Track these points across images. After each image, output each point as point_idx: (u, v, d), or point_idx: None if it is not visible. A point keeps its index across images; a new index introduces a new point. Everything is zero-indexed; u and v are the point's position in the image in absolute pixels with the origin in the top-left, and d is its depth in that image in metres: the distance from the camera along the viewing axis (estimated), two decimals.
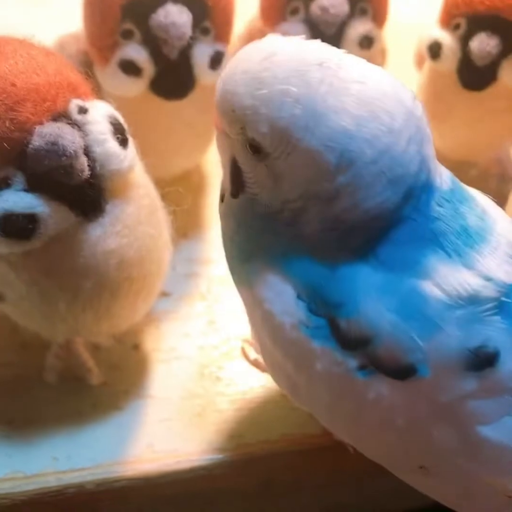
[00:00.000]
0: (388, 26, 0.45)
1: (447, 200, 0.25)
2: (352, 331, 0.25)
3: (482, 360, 0.24)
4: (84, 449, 0.32)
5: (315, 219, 0.24)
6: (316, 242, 0.25)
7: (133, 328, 0.37)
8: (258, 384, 0.35)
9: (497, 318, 0.24)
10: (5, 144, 0.26)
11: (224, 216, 0.28)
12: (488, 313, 0.24)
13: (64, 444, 0.32)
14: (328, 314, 0.25)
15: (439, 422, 0.25)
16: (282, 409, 0.33)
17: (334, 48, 0.25)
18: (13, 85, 0.26)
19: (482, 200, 0.27)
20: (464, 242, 0.24)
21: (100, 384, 0.35)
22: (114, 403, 0.34)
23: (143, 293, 0.32)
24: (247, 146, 0.24)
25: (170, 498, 0.33)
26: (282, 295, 0.26)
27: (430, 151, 0.25)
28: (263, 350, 0.28)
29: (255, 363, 0.36)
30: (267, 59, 0.23)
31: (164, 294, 0.39)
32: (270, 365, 0.28)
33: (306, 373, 0.27)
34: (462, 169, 0.44)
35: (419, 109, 0.24)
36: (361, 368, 0.25)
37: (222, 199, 0.28)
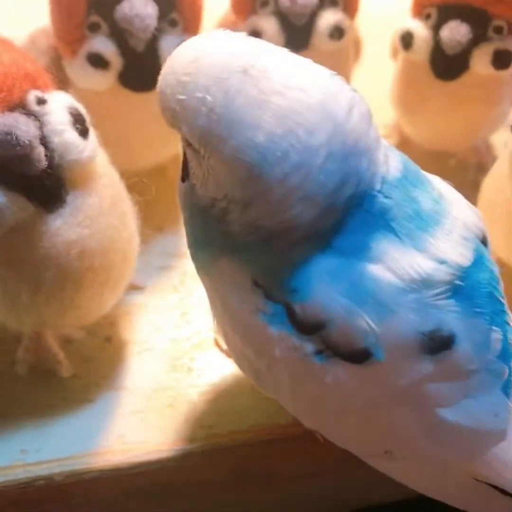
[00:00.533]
0: (365, 17, 0.45)
1: (396, 187, 0.25)
2: (307, 316, 0.25)
3: (437, 344, 0.24)
4: (54, 442, 0.32)
5: (236, 222, 0.25)
6: (245, 242, 0.25)
7: (105, 320, 0.37)
8: (230, 375, 0.35)
9: (451, 301, 0.25)
10: None
11: (179, 199, 0.28)
12: (442, 296, 0.24)
13: (34, 436, 0.33)
14: (284, 300, 0.25)
15: (398, 405, 0.25)
16: (253, 400, 0.34)
17: (269, 49, 0.24)
18: None
19: (439, 184, 0.27)
20: (417, 225, 0.25)
21: (71, 376, 0.35)
22: (85, 396, 0.34)
23: (109, 284, 0.32)
24: (182, 138, 0.25)
25: (141, 489, 0.33)
26: (239, 282, 0.26)
27: (365, 162, 0.24)
28: (225, 338, 0.29)
29: (227, 353, 0.36)
30: (193, 63, 0.23)
31: (138, 287, 0.39)
32: (233, 352, 0.29)
33: (266, 358, 0.27)
34: (440, 159, 0.46)
35: (353, 120, 0.23)
36: (318, 352, 0.25)
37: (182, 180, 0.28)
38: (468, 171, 0.46)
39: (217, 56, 0.23)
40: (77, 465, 0.31)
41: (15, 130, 0.26)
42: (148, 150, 0.42)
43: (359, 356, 0.25)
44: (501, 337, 0.26)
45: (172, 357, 0.36)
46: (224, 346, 0.37)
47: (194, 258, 0.28)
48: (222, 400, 0.34)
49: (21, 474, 0.31)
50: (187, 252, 0.41)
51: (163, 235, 0.42)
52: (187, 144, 0.25)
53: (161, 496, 0.34)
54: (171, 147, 0.43)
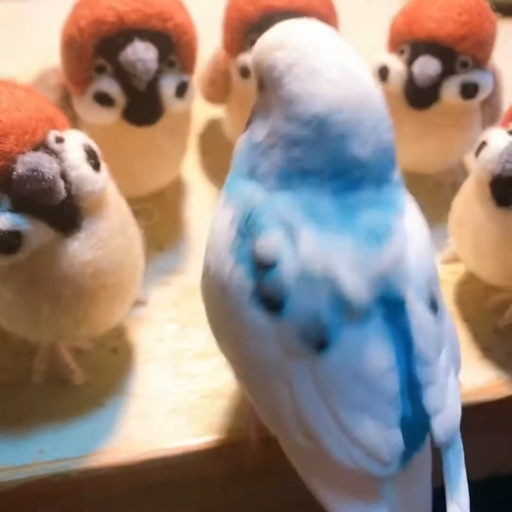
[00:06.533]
0: None
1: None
2: (258, 255, 0.27)
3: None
4: (69, 442, 0.34)
5: (277, 156, 0.27)
6: (268, 175, 0.28)
7: (112, 332, 0.38)
8: (230, 380, 0.36)
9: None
10: None
11: (236, 145, 0.31)
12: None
13: (50, 438, 0.35)
14: (250, 238, 0.27)
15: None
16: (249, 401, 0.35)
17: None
18: None
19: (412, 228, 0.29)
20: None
21: (83, 384, 0.37)
22: (96, 401, 0.36)
23: (118, 299, 0.34)
24: (257, 84, 0.29)
25: (147, 485, 0.35)
26: (223, 214, 0.29)
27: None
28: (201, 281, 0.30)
29: None
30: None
31: (141, 303, 0.41)
32: (205, 299, 0.31)
33: (222, 302, 0.29)
34: (418, 180, 0.48)
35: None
36: (255, 294, 0.27)
37: None
38: (443, 191, 0.48)
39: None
40: (89, 462, 0.34)
41: (40, 167, 0.28)
42: (150, 177, 0.44)
43: (274, 305, 0.27)
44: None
45: (174, 365, 0.38)
46: None
47: (226, 182, 0.30)
48: (221, 403, 0.36)
49: (39, 471, 0.33)
50: (184, 269, 0.44)
51: (163, 254, 0.44)
52: (261, 89, 0.29)
53: (167, 492, 0.36)
54: (169, 174, 0.45)
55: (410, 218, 0.29)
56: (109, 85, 0.38)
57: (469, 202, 0.39)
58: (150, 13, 0.37)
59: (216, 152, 0.51)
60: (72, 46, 0.38)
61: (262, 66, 0.29)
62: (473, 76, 0.42)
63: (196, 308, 0.39)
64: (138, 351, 0.39)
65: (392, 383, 0.26)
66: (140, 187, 0.43)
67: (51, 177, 0.29)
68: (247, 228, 0.27)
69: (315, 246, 0.26)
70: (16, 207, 0.29)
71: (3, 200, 0.29)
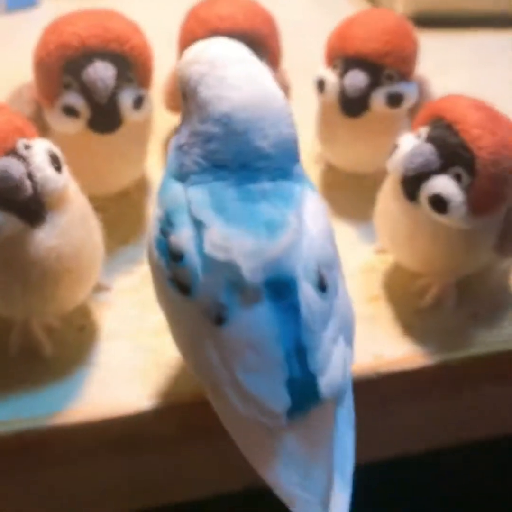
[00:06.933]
0: (293, 66, 0.51)
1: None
2: (170, 250, 0.31)
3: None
4: (40, 403, 0.37)
5: (195, 153, 0.32)
6: (189, 173, 0.32)
7: (79, 313, 0.41)
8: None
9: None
10: None
11: (168, 147, 0.35)
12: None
13: (25, 399, 0.37)
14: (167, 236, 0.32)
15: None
16: None
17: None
18: None
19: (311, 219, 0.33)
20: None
21: (52, 356, 0.39)
22: (63, 370, 0.39)
23: (80, 282, 0.38)
24: (181, 95, 0.34)
25: (106, 441, 0.38)
26: (154, 213, 0.33)
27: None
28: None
29: None
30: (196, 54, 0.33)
31: (106, 288, 0.44)
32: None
33: (156, 284, 0.33)
34: (358, 179, 0.51)
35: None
36: (171, 280, 0.32)
37: None
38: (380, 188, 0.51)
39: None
40: (58, 420, 0.36)
41: (9, 169, 0.32)
42: (114, 178, 0.47)
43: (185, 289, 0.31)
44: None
45: (138, 341, 0.41)
46: None
47: (160, 183, 0.34)
48: (171, 371, 0.39)
49: (16, 426, 0.36)
50: (146, 259, 0.48)
51: (127, 246, 0.47)
52: (184, 98, 0.33)
53: (124, 448, 0.39)
54: (132, 175, 0.48)
55: (309, 210, 0.32)
56: (75, 99, 0.41)
57: (387, 198, 0.42)
58: (109, 37, 0.40)
59: None
60: (43, 66, 0.41)
61: (183, 79, 0.33)
62: (398, 87, 0.46)
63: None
64: (103, 329, 0.42)
65: (278, 349, 0.30)
66: (106, 187, 0.46)
67: (17, 177, 0.33)
68: (165, 227, 0.32)
69: (219, 239, 0.30)
70: None
71: None
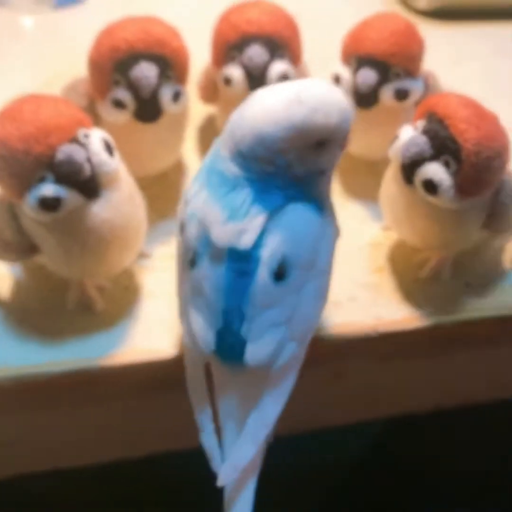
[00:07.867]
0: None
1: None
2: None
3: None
4: (91, 348, 0.42)
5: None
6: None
7: (124, 276, 0.45)
8: None
9: None
10: (43, 158, 0.37)
11: None
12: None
13: (79, 344, 0.42)
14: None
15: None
16: None
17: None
18: (46, 124, 0.37)
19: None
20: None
21: (102, 311, 0.44)
22: (112, 322, 0.43)
23: (127, 249, 0.41)
24: None
25: (148, 381, 0.42)
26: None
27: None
28: None
29: None
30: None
31: (146, 255, 0.48)
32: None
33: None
34: (368, 165, 0.54)
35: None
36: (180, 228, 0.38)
37: None
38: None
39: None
40: (106, 362, 0.41)
41: (74, 154, 0.36)
42: (155, 162, 0.50)
43: (191, 261, 0.37)
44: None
45: (171, 300, 0.42)
46: None
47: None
48: None
49: (70, 366, 0.40)
50: None
51: (164, 220, 0.50)
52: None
53: (159, 388, 0.43)
54: (170, 159, 0.51)
55: (290, 214, 0.35)
56: (123, 94, 0.45)
57: (389, 182, 0.45)
58: (152, 41, 0.44)
59: (210, 140, 0.55)
60: (96, 65, 0.45)
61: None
62: (404, 83, 0.49)
63: None
64: (143, 289, 0.45)
65: (220, 303, 0.35)
66: (148, 169, 0.50)
67: (80, 161, 0.36)
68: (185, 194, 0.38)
69: (201, 202, 0.36)
70: (58, 181, 0.37)
71: (49, 176, 0.37)
